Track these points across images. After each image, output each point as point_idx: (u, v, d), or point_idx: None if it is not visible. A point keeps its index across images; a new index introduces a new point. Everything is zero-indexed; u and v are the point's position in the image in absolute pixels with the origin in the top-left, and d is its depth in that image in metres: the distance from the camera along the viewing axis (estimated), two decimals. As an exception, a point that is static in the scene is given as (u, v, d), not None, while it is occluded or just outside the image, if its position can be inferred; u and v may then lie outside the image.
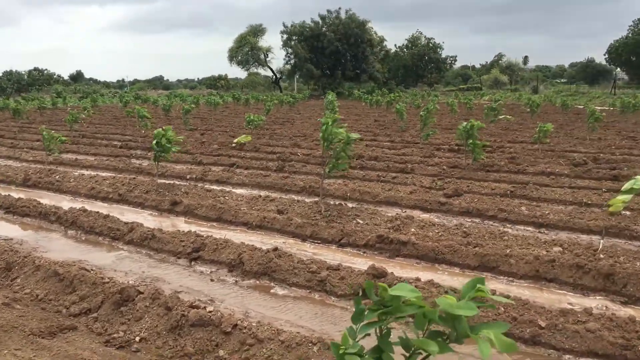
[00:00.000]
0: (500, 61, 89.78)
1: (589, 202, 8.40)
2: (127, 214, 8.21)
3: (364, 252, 6.35)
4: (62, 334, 4.30)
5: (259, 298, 5.04)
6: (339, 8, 63.35)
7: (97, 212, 7.30)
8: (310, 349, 3.73)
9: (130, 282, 5.22)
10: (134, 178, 10.01)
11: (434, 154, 13.62)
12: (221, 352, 3.90)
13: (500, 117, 22.45)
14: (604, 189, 9.36)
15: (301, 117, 28.86)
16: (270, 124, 23.27)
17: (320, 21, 63.70)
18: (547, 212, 7.71)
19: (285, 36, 64.00)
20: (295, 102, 37.25)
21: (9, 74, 75.31)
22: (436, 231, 6.86)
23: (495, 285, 5.39)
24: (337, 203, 8.16)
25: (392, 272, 5.14)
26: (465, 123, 10.85)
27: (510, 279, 5.54)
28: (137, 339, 4.19)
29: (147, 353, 4.03)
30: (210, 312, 4.24)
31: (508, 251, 6.03)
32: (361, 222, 7.26)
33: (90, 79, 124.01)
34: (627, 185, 5.61)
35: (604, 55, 77.01)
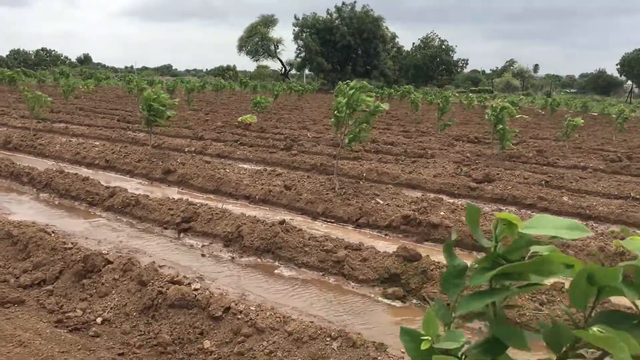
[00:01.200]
0: (511, 67, 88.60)
1: (637, 196, 7.38)
2: (113, 182, 7.20)
3: (386, 235, 5.34)
4: (3, 308, 3.32)
5: (260, 279, 4.03)
6: (355, 2, 62.21)
7: (76, 173, 6.31)
8: (328, 345, 2.73)
9: (104, 251, 4.23)
10: (126, 147, 9.00)
11: (453, 143, 12.60)
12: (207, 344, 2.90)
13: (517, 116, 21.40)
14: (649, 185, 8.33)
15: (310, 106, 27.86)
16: (278, 110, 22.27)
17: (335, 13, 62.54)
18: (594, 204, 6.68)
19: (297, 28, 62.89)
20: (304, 92, 36.21)
21: (15, 53, 74.48)
22: (470, 216, 5.84)
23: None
24: (353, 180, 7.14)
25: (427, 255, 4.12)
26: (495, 105, 9.82)
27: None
28: (99, 320, 3.19)
29: (109, 339, 3.03)
30: (196, 290, 3.23)
31: (565, 241, 5.01)
32: (381, 202, 6.25)
33: (99, 63, 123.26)
34: None
35: (616, 66, 75.90)
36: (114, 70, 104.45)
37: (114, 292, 3.38)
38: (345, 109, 6.39)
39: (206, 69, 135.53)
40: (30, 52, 77.94)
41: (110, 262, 3.57)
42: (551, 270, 0.96)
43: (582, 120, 12.59)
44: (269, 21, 67.75)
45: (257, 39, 66.92)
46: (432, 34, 76.55)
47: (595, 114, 35.16)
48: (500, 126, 9.67)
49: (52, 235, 4.03)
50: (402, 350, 2.91)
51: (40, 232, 3.95)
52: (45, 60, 78.19)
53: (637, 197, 7.35)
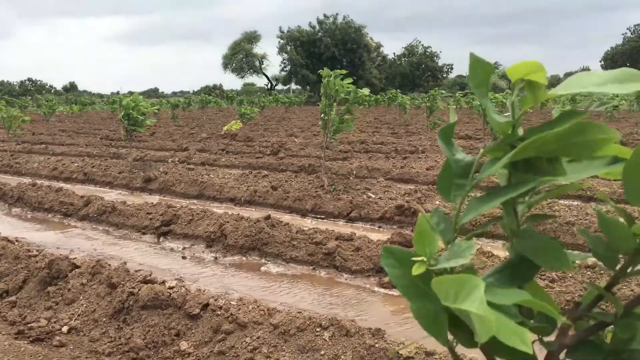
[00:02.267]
0: (496, 69, 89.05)
1: None
2: (93, 194, 6.88)
3: (380, 227, 5.04)
4: (-42, 324, 2.98)
5: (245, 277, 3.72)
6: (336, 14, 62.43)
7: (49, 185, 5.98)
8: (319, 336, 2.41)
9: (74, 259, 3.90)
10: (107, 160, 8.68)
11: (444, 140, 12.32)
12: (184, 345, 2.58)
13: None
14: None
15: (297, 116, 27.63)
16: (265, 121, 22.01)
17: (317, 26, 62.67)
18: (594, 185, 6.42)
19: (281, 41, 62.89)
20: (291, 104, 36.00)
21: (0, 84, 74.07)
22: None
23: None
24: (342, 176, 6.84)
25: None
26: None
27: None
28: (65, 329, 2.86)
29: (75, 348, 2.71)
30: (170, 288, 2.92)
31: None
32: (373, 196, 5.96)
33: (84, 91, 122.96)
34: None
35: (600, 62, 76.40)
36: (100, 96, 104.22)
37: (81, 297, 3.06)
38: (325, 99, 6.12)
39: (193, 90, 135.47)
40: (15, 83, 77.55)
41: (77, 267, 3.25)
42: (594, 141, 0.66)
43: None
44: (252, 37, 67.70)
45: (241, 56, 66.84)
46: (415, 41, 76.87)
47: (582, 109, 35.18)
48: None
49: (16, 243, 3.70)
50: (402, 337, 2.60)
51: (2, 241, 3.63)
52: (30, 90, 77.78)
53: None
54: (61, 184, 7.48)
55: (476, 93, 0.75)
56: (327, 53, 60.12)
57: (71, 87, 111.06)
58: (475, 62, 0.74)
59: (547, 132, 0.65)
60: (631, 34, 72.55)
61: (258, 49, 67.80)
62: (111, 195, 6.73)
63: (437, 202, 5.59)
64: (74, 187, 7.23)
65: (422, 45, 78.29)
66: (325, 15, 62.83)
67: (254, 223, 4.25)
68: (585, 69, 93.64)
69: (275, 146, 10.69)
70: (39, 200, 5.58)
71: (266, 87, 75.09)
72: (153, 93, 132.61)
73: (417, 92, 77.53)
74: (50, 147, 11.27)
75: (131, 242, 4.50)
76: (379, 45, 66.97)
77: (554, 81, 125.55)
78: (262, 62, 68.14)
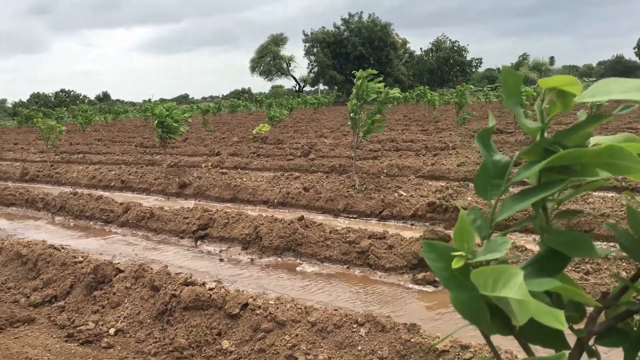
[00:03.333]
0: (526, 60, 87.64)
1: None
2: (131, 200, 7.07)
3: (412, 225, 5.08)
4: (12, 328, 3.15)
5: (281, 277, 3.81)
6: (361, 12, 62.36)
7: (89, 194, 6.18)
8: (355, 332, 2.48)
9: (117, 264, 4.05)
10: (142, 167, 8.89)
11: (474, 136, 12.25)
12: (225, 344, 2.68)
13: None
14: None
15: (326, 117, 27.73)
16: (294, 123, 22.16)
17: (342, 25, 62.72)
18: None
19: (307, 44, 63.12)
20: (320, 105, 36.12)
21: (36, 96, 76.04)
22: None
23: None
24: (373, 175, 6.89)
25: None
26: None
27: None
28: (112, 331, 3.00)
29: (122, 349, 2.84)
30: (210, 289, 3.02)
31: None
32: (404, 194, 5.99)
33: (117, 99, 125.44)
34: None
35: (634, 49, 74.59)
36: (132, 104, 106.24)
37: (126, 301, 3.19)
38: (356, 101, 6.18)
39: (222, 95, 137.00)
40: (50, 95, 79.51)
41: (121, 271, 3.39)
42: (626, 167, 0.71)
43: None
44: (279, 40, 68.12)
45: (268, 59, 67.28)
46: (442, 36, 76.19)
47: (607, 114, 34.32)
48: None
49: (62, 250, 3.87)
50: (437, 332, 2.65)
51: (49, 249, 3.80)
52: (65, 100, 79.63)
53: None
54: (100, 192, 7.71)
55: (509, 102, 0.81)
56: (355, 52, 60.07)
57: (104, 97, 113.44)
58: (507, 74, 0.79)
59: (585, 150, 0.70)
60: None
61: (285, 51, 68.09)
62: (149, 201, 6.91)
63: (469, 199, 5.61)
64: (112, 195, 7.45)
65: (450, 40, 77.53)
66: (349, 14, 62.78)
67: (288, 224, 4.35)
68: (619, 58, 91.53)
69: (305, 148, 10.79)
70: (81, 209, 5.78)
71: (294, 88, 75.42)
72: (183, 99, 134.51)
73: (446, 88, 77.04)
74: (88, 156, 11.59)
75: (170, 247, 4.64)
76: (405, 42, 66.62)
77: (587, 70, 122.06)
78: (290, 64, 68.47)
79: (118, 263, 3.52)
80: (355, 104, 6.20)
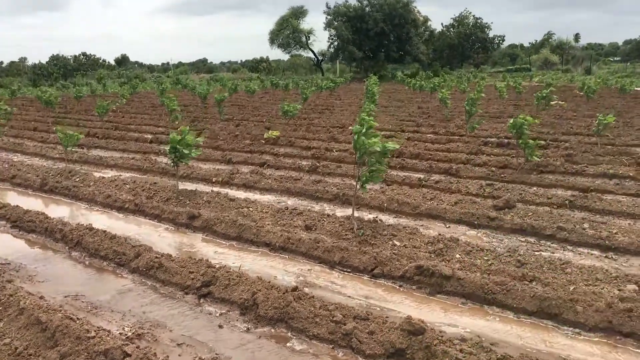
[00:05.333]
0: (550, 39, 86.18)
1: (663, 215, 7.27)
2: (142, 227, 7.55)
3: (400, 286, 5.46)
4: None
5: (273, 352, 4.23)
6: (385, -13, 61.67)
7: (104, 231, 6.61)
8: None
9: (126, 329, 4.50)
10: (155, 184, 9.32)
11: (481, 149, 12.51)
12: None
13: (553, 102, 20.97)
14: (680, 198, 8.18)
15: (341, 103, 27.94)
16: (308, 112, 22.46)
17: (365, 0, 62.20)
18: (614, 231, 6.63)
19: (329, 17, 62.77)
20: (336, 87, 36.20)
21: (55, 59, 76.52)
22: (485, 258, 5.90)
23: (557, 339, 4.43)
24: (372, 219, 7.26)
25: (431, 328, 4.23)
26: (514, 120, 9.74)
27: (577, 330, 4.56)
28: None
29: None
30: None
31: (572, 288, 5.06)
32: (398, 243, 6.36)
33: (136, 62, 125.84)
34: None
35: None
36: (150, 69, 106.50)
37: (132, 387, 3.63)
38: (355, 152, 6.53)
39: (241, 60, 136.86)
40: (69, 57, 79.89)
41: (128, 355, 3.82)
42: None
43: (614, 119, 12.30)
44: (299, 13, 67.71)
45: (288, 32, 67.02)
46: (465, 11, 75.15)
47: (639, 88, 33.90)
48: (521, 140, 9.59)
49: (77, 322, 4.31)
50: None
51: (66, 320, 4.24)
52: (84, 64, 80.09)
53: (663, 216, 7.25)
54: (115, 213, 8.18)
55: None
56: (376, 29, 59.67)
57: (123, 60, 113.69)
58: None
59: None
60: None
61: (305, 24, 67.72)
62: (159, 230, 7.36)
63: (457, 256, 5.96)
64: (127, 219, 7.92)
65: (473, 15, 76.44)
66: (373, -10, 62.17)
67: (282, 294, 4.76)
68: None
69: (312, 162, 11.17)
70: (96, 247, 6.23)
71: (312, 62, 75.15)
72: (202, 64, 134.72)
73: (467, 66, 76.30)
74: (104, 158, 12.06)
75: (175, 304, 5.07)
76: (426, 20, 65.92)
77: (612, 49, 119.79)
78: (309, 37, 68.13)
79: (126, 345, 3.95)
80: (356, 153, 6.54)
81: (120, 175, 10.75)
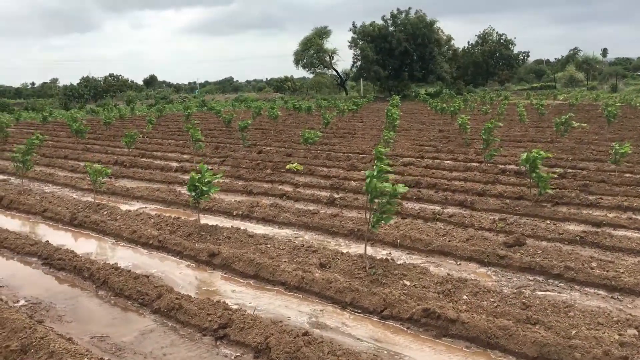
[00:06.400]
0: (576, 55, 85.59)
1: (674, 253, 7.38)
2: (165, 263, 7.92)
3: (408, 328, 5.70)
4: None
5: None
6: (409, 8, 62.32)
7: (129, 271, 6.99)
8: None
9: (147, 372, 4.83)
10: (178, 218, 9.71)
11: (497, 179, 12.69)
12: None
13: (575, 125, 20.95)
14: (692, 235, 8.26)
15: (363, 125, 28.30)
16: (329, 137, 22.83)
17: (390, 19, 62.92)
18: (621, 271, 6.77)
19: (354, 36, 63.57)
20: (359, 109, 36.58)
21: (86, 81, 78.60)
22: (491, 300, 6.11)
23: (556, 385, 4.62)
24: (384, 257, 7.51)
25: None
26: (527, 154, 9.91)
27: (576, 376, 4.74)
28: None
29: None
30: None
31: (573, 332, 5.23)
32: (408, 283, 6.61)
33: (164, 82, 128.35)
34: None
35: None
36: (177, 89, 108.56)
37: None
38: (367, 194, 6.82)
39: (266, 78, 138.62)
40: (99, 79, 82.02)
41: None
42: None
43: (630, 149, 12.37)
44: (322, 33, 68.63)
45: (312, 52, 67.90)
46: (489, 29, 75.22)
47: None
48: (535, 174, 9.77)
49: (101, 366, 4.65)
50: None
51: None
52: (114, 86, 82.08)
53: (673, 255, 7.35)
54: (139, 248, 8.58)
55: None
56: (400, 48, 60.20)
57: (151, 80, 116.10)
58: None
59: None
60: None
61: (328, 44, 68.57)
62: (181, 267, 7.72)
63: (464, 297, 6.18)
64: (150, 254, 8.31)
65: (497, 32, 76.53)
66: (398, 10, 62.84)
67: (293, 339, 5.04)
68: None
69: (331, 193, 11.47)
70: (121, 287, 6.60)
71: (336, 81, 75.80)
72: (228, 83, 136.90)
73: (490, 84, 76.11)
74: (130, 189, 12.54)
75: (194, 346, 5.38)
76: (449, 39, 66.22)
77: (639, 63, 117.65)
78: (333, 57, 68.88)
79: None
80: (368, 196, 6.83)
81: (146, 207, 11.20)
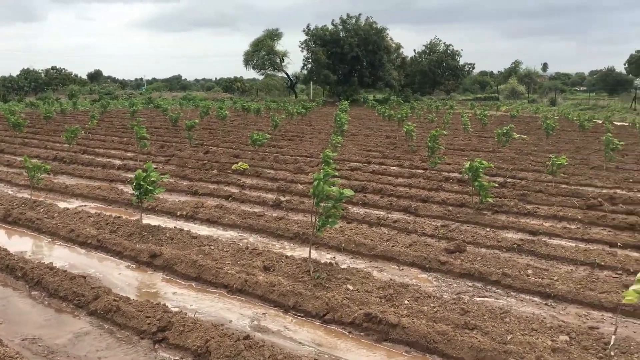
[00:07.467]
0: (517, 68, 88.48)
1: (602, 263, 7.70)
2: (104, 263, 7.70)
3: (350, 332, 5.72)
4: None
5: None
6: (359, 14, 62.89)
7: (65, 271, 6.75)
8: None
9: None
10: (119, 217, 9.46)
11: (441, 186, 12.95)
12: None
13: (515, 136, 21.61)
14: (619, 244, 8.65)
15: (312, 129, 28.35)
16: (277, 139, 22.77)
17: (340, 24, 63.33)
18: (555, 279, 7.02)
19: (306, 37, 63.60)
20: (308, 112, 36.63)
21: (26, 72, 75.66)
22: (432, 305, 6.21)
23: (491, 389, 4.74)
24: (328, 261, 7.55)
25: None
26: (470, 164, 10.16)
27: (510, 381, 4.88)
28: None
29: None
30: None
31: (509, 338, 5.38)
32: (351, 287, 6.64)
33: (109, 77, 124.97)
34: (641, 275, 4.92)
35: (624, 65, 75.67)
36: (123, 84, 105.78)
37: None
38: (313, 198, 6.83)
39: (215, 78, 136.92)
40: (41, 71, 79.06)
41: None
42: None
43: (566, 161, 12.86)
44: (274, 35, 68.47)
45: (263, 53, 67.62)
46: (435, 39, 76.81)
47: (600, 121, 35.06)
48: (477, 183, 10.02)
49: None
50: None
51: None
52: (56, 79, 79.33)
53: (602, 264, 7.67)
54: (77, 248, 8.30)
55: None
56: (351, 53, 60.72)
57: (96, 74, 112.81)
58: None
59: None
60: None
61: (279, 46, 68.45)
62: (121, 267, 7.52)
63: (405, 302, 6.26)
64: (89, 254, 8.05)
65: (444, 43, 78.21)
66: (348, 15, 63.32)
67: (234, 342, 4.98)
68: (610, 70, 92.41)
69: (277, 196, 11.44)
70: (55, 288, 6.36)
71: (286, 83, 75.73)
72: (176, 81, 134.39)
73: (437, 93, 77.71)
74: (69, 186, 12.13)
75: (130, 349, 5.23)
76: (398, 47, 67.19)
77: (579, 79, 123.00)
78: (283, 59, 68.79)
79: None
80: (314, 199, 6.84)
81: (85, 205, 10.87)
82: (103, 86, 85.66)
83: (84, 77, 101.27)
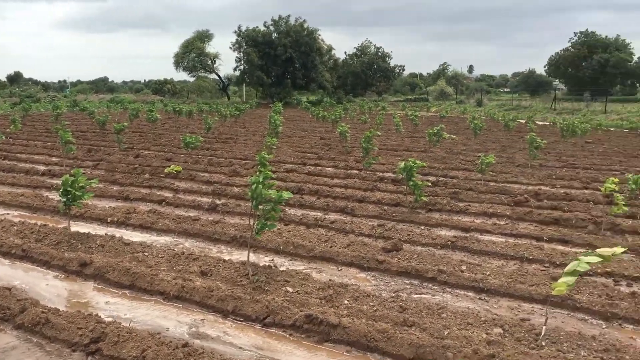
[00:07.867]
0: (445, 70, 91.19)
1: (530, 257, 8.01)
2: (30, 274, 7.31)
3: (290, 335, 5.68)
4: None
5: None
6: (289, 15, 62.88)
7: (-13, 284, 6.37)
8: None
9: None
10: (45, 225, 9.04)
11: (376, 186, 13.11)
12: None
13: (445, 136, 22.20)
14: (545, 238, 9.03)
15: (246, 131, 28.10)
16: (211, 142, 22.43)
17: (272, 27, 63.07)
18: (487, 274, 7.24)
19: (238, 39, 62.88)
20: (241, 114, 36.31)
21: (-64, 74, 71.16)
22: (371, 304, 6.26)
23: (432, 385, 4.82)
24: (267, 264, 7.47)
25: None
26: (404, 163, 10.34)
27: (449, 375, 4.97)
28: None
29: None
30: None
31: (446, 333, 5.49)
32: (291, 290, 6.60)
33: (30, 79, 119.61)
34: (569, 267, 5.14)
35: (544, 67, 79.32)
36: (45, 87, 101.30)
37: None
38: (252, 200, 6.75)
39: (144, 80, 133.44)
40: (-45, 74, 74.61)
41: None
42: None
43: (494, 159, 13.31)
44: (204, 36, 67.49)
45: (193, 55, 66.51)
46: (366, 41, 78.02)
47: (524, 121, 36.52)
48: (411, 183, 10.21)
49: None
50: None
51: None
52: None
53: (530, 257, 7.98)
54: (0, 259, 7.85)
55: None
56: (285, 55, 60.62)
57: (16, 76, 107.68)
58: None
59: None
60: (577, 39, 74.94)
61: (210, 48, 67.52)
62: (48, 278, 7.16)
63: (345, 302, 6.28)
64: (13, 265, 7.63)
65: (374, 45, 79.53)
66: (280, 16, 63.21)
67: (173, 350, 4.84)
68: (531, 72, 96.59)
69: (213, 200, 11.25)
70: (-23, 302, 5.99)
71: (218, 85, 74.82)
72: (102, 83, 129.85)
73: (369, 95, 78.91)
74: (-9, 193, 11.49)
75: (61, 362, 5.01)
76: (330, 48, 67.72)
77: (503, 81, 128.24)
78: (215, 61, 67.93)
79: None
80: (252, 202, 6.76)
81: (8, 213, 10.32)
82: (24, 89, 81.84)
83: (3, 79, 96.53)
